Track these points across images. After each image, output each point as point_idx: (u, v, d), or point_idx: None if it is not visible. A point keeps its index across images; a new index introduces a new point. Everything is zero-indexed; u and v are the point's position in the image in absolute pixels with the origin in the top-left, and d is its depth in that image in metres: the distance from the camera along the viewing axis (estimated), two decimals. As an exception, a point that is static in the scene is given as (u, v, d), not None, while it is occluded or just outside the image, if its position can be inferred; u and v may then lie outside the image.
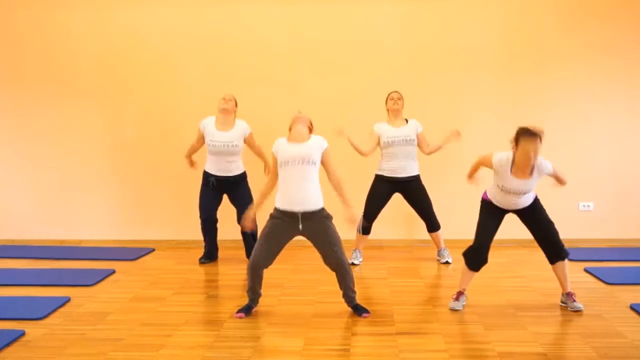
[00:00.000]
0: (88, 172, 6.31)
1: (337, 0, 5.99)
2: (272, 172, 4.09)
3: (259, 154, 5.44)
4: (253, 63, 6.06)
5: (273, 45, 6.06)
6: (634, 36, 5.88)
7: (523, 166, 3.90)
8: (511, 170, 3.94)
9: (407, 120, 5.31)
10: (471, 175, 4.33)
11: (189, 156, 5.55)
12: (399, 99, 5.27)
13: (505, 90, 6.01)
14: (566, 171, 5.86)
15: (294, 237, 4.02)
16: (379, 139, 5.26)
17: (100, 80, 6.20)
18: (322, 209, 3.99)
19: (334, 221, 4.03)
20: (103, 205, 6.34)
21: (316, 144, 4.00)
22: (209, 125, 5.32)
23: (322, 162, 4.02)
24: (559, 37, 5.91)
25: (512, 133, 3.91)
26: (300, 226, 3.92)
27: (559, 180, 4.11)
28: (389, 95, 5.32)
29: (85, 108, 6.24)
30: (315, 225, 3.95)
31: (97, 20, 6.14)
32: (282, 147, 3.99)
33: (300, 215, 3.91)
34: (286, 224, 3.94)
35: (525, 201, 4.07)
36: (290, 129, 4.08)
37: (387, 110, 5.33)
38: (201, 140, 5.38)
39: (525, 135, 3.82)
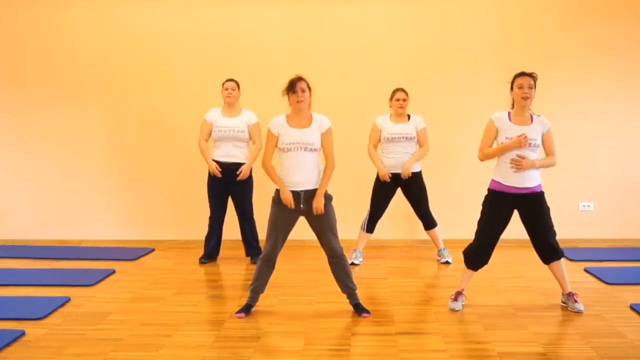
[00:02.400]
0: (88, 172, 6.31)
1: (337, 2, 5.99)
2: (268, 152, 3.98)
3: (255, 147, 5.31)
4: (253, 64, 6.06)
5: (273, 47, 6.06)
6: (634, 36, 5.88)
7: (521, 109, 3.97)
8: (510, 119, 4.00)
9: (409, 117, 5.29)
10: (494, 153, 4.07)
11: (209, 162, 5.31)
12: (404, 101, 5.21)
13: (506, 90, 5.97)
14: (566, 171, 5.95)
15: (298, 217, 4.02)
16: (380, 133, 5.27)
17: (100, 81, 6.20)
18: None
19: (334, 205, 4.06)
20: (103, 205, 6.35)
21: (318, 128, 3.95)
22: (214, 115, 5.33)
23: (321, 142, 3.96)
24: (559, 37, 5.91)
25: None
26: (302, 205, 3.92)
27: (548, 153, 4.08)
28: (394, 93, 5.25)
29: (85, 108, 6.24)
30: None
31: (97, 20, 6.14)
32: (284, 131, 3.93)
33: (302, 194, 3.91)
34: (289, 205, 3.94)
35: (531, 175, 3.98)
36: (288, 95, 3.93)
37: (391, 107, 5.30)
38: (208, 132, 5.32)
39: (518, 74, 3.99)
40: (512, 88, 4.03)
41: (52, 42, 6.18)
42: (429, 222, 5.42)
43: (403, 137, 5.21)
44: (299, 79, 3.94)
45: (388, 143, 5.24)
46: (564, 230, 4.17)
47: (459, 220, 5.67)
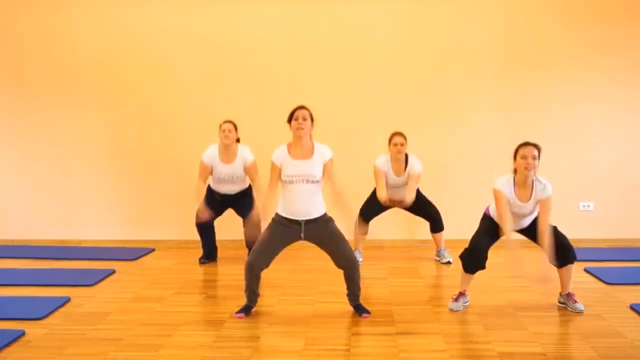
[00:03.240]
0: (88, 172, 6.32)
1: (337, 2, 5.99)
2: (272, 182, 3.95)
3: (255, 187, 5.27)
4: (253, 65, 6.06)
5: (273, 47, 6.06)
6: (634, 36, 5.88)
7: (524, 180, 3.95)
8: (515, 192, 3.99)
9: (407, 160, 5.22)
10: (505, 223, 4.00)
11: (201, 201, 5.20)
12: (402, 146, 5.14)
13: (506, 90, 6.01)
14: (566, 171, 5.96)
15: (294, 242, 4.02)
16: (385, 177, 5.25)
17: (101, 81, 6.21)
18: (325, 214, 3.98)
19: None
20: (103, 205, 6.35)
21: (320, 159, 3.92)
22: (212, 158, 5.23)
23: (324, 172, 3.93)
24: (559, 37, 5.91)
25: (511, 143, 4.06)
26: (303, 234, 3.93)
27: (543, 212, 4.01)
28: (392, 137, 5.16)
29: (86, 108, 6.24)
30: (319, 229, 3.95)
31: (97, 20, 6.14)
32: (286, 162, 3.89)
33: (303, 223, 3.91)
34: (288, 228, 3.94)
35: (528, 221, 4.11)
36: (290, 124, 3.92)
37: (390, 151, 5.21)
38: (207, 174, 5.26)
39: (522, 144, 3.97)
40: (515, 158, 3.97)
41: (52, 42, 6.18)
42: (436, 226, 5.42)
43: (402, 185, 5.26)
44: (301, 107, 3.92)
45: (388, 188, 5.27)
46: (564, 230, 4.16)
47: (459, 220, 5.67)
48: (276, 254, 4.04)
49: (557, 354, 3.42)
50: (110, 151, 6.29)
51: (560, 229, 4.11)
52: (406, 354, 3.42)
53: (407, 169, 5.22)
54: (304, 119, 3.87)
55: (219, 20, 6.08)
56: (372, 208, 5.35)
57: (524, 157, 3.90)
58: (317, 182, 3.90)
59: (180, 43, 6.11)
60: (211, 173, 5.29)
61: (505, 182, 4.02)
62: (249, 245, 5.43)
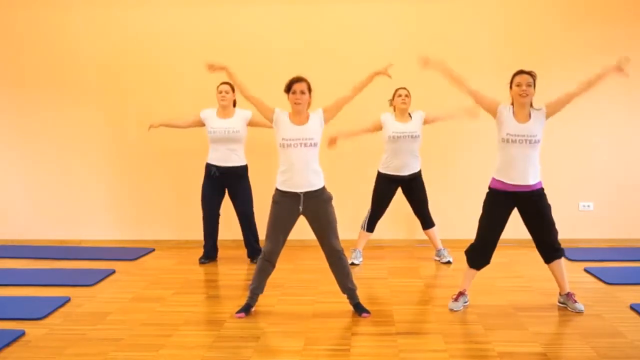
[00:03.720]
0: (88, 172, 6.32)
1: (337, 2, 5.99)
2: (257, 96, 4.10)
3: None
4: (253, 64, 6.05)
5: (273, 47, 6.06)
6: (634, 36, 5.88)
7: (520, 107, 3.97)
8: (513, 114, 4.00)
9: (411, 116, 5.27)
10: (469, 91, 4.20)
11: (162, 124, 5.49)
12: (407, 96, 5.20)
13: (506, 90, 5.97)
14: (566, 171, 5.95)
15: (297, 217, 4.03)
16: (381, 128, 5.25)
17: (101, 80, 6.21)
18: (324, 188, 4.00)
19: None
20: (103, 205, 6.35)
21: (315, 122, 3.98)
22: (209, 114, 5.35)
23: (332, 109, 4.03)
24: (559, 37, 5.91)
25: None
26: (301, 207, 3.94)
27: (566, 98, 4.11)
28: (396, 91, 5.22)
29: (86, 108, 6.24)
30: (317, 207, 3.96)
31: (97, 20, 6.14)
32: (284, 125, 3.95)
33: (302, 195, 3.92)
34: (288, 205, 3.95)
35: (534, 173, 3.99)
36: (288, 95, 3.98)
37: (394, 107, 5.27)
38: (192, 123, 5.41)
39: (517, 72, 4.03)
40: (511, 86, 4.03)
41: (52, 42, 6.18)
42: (427, 222, 5.42)
43: (409, 136, 5.20)
44: (299, 79, 3.95)
45: (393, 143, 5.21)
46: (564, 230, 4.17)
47: (459, 220, 5.68)
48: (286, 236, 4.05)
49: (557, 354, 3.42)
50: (110, 151, 6.29)
51: (560, 229, 4.11)
52: (406, 354, 3.42)
53: (416, 117, 5.23)
54: (302, 93, 3.93)
55: (219, 20, 6.09)
56: (381, 190, 5.31)
57: (519, 85, 3.95)
58: (314, 145, 3.93)
59: (180, 43, 6.11)
60: (208, 136, 5.31)
61: (509, 106, 4.06)
62: (245, 235, 5.46)
